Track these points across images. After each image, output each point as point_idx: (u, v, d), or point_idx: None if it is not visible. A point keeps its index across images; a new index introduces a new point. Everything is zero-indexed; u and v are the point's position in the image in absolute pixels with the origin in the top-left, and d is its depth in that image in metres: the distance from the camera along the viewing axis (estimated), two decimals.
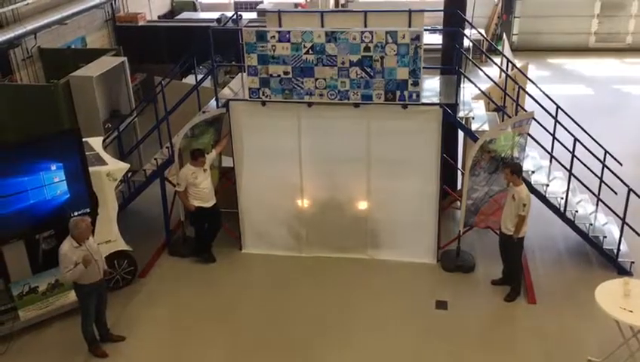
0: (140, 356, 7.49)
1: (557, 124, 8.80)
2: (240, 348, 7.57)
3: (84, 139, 8.03)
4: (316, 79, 8.25)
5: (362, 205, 8.87)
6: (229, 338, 7.72)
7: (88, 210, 7.83)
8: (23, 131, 10.04)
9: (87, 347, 7.40)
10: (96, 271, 7.07)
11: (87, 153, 8.00)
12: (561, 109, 8.85)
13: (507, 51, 12.99)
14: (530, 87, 9.59)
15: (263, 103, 8.56)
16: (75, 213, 7.64)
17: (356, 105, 8.35)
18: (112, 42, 15.18)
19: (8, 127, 10.45)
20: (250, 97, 8.57)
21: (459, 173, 9.83)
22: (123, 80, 11.41)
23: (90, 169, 7.89)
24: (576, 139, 8.54)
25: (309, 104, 8.44)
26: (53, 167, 7.56)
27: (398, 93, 8.16)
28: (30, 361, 7.43)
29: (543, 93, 9.10)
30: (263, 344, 7.61)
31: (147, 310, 8.25)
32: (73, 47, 13.54)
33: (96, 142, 8.79)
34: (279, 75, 8.31)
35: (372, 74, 8.11)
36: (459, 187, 9.81)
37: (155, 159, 9.59)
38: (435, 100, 8.44)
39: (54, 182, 7.60)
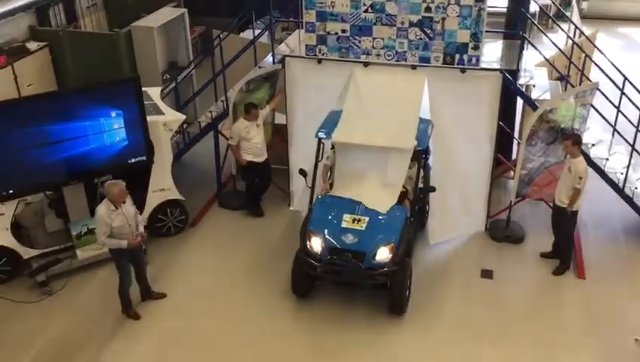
0: (183, 303, 7.75)
1: (623, 96, 8.44)
2: (282, 302, 7.71)
3: (143, 89, 8.20)
4: (374, 38, 8.13)
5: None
6: (272, 291, 7.88)
7: (144, 158, 8.07)
8: (85, 78, 10.36)
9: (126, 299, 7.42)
10: (131, 235, 7.00)
11: (145, 102, 8.18)
12: (629, 81, 8.46)
13: (575, 18, 12.43)
14: (597, 57, 9.20)
15: (319, 61, 8.52)
16: (132, 160, 7.92)
17: (413, 67, 8.21)
18: None
19: (71, 73, 10.78)
20: (306, 54, 8.53)
21: (514, 141, 9.59)
22: (182, 32, 11.53)
23: (148, 118, 8.08)
24: None
25: (365, 64, 8.35)
26: (113, 114, 7.77)
27: (457, 56, 7.97)
28: (83, 299, 7.82)
29: (611, 63, 8.71)
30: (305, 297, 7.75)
31: (194, 258, 8.51)
32: None
33: (154, 92, 8.98)
34: (337, 33, 8.23)
35: (431, 35, 7.93)
36: (513, 156, 9.59)
37: (210, 112, 9.71)
38: (496, 65, 8.20)
39: (114, 128, 7.82)
